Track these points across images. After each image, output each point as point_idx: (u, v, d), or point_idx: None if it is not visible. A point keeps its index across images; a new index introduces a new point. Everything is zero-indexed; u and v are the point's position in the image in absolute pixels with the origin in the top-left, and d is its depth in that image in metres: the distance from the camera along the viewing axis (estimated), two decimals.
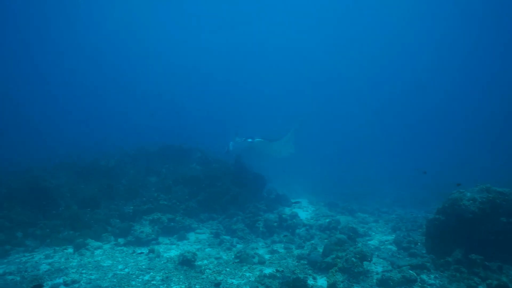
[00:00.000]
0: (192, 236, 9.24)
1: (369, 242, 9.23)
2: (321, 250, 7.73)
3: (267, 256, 7.75)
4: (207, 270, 6.72)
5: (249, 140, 12.90)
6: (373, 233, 10.22)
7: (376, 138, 37.27)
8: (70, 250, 7.87)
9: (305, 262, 7.27)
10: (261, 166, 14.59)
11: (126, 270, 6.64)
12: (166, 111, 45.40)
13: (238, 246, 8.49)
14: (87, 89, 47.99)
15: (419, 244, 8.18)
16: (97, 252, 7.76)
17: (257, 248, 8.32)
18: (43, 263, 7.03)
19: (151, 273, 6.47)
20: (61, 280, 5.99)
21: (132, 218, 9.50)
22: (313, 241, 9.11)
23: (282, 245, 8.70)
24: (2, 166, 14.26)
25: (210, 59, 51.59)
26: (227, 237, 9.06)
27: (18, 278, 6.16)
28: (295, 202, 12.41)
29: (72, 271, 6.51)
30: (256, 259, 7.36)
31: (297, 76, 51.80)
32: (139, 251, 7.77)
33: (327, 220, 10.67)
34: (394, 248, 8.57)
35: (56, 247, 8.13)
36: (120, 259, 7.28)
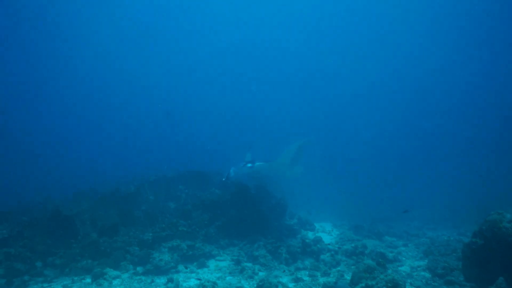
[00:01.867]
0: (212, 263, 8.91)
1: (399, 268, 8.64)
2: (348, 278, 7.25)
3: (291, 285, 7.32)
4: None
5: (249, 165, 11.92)
6: (404, 258, 9.61)
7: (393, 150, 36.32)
8: (88, 280, 7.68)
9: None
10: (279, 189, 14.28)
11: None
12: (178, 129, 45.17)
13: (260, 273, 8.09)
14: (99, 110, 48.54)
15: (455, 270, 7.56)
16: (115, 282, 7.52)
17: (280, 276, 7.90)
18: None
19: None
20: None
21: (151, 246, 9.28)
22: (339, 268, 8.62)
23: (307, 272, 8.24)
24: (23, 195, 14.50)
25: (215, 63, 51.83)
26: (249, 264, 8.68)
27: None
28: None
29: None
30: None
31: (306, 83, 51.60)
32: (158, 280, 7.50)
33: (353, 245, 10.15)
34: (428, 275, 7.97)
35: (75, 277, 7.99)
36: None
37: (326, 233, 12.71)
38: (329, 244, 10.51)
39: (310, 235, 11.80)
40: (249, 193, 12.61)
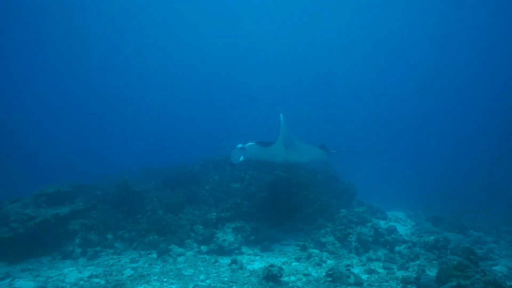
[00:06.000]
0: (276, 247, 8.47)
1: (493, 268, 7.44)
2: (431, 274, 6.36)
3: (364, 277, 6.59)
4: None
5: (239, 145, 9.47)
6: (497, 257, 8.30)
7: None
8: (154, 255, 7.71)
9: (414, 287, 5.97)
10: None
11: (208, 281, 6.12)
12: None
13: (329, 262, 7.46)
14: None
15: None
16: (180, 259, 7.44)
17: (351, 266, 7.20)
18: (128, 267, 6.92)
19: (234, 287, 5.84)
20: None
21: (215, 225, 9.13)
22: (418, 262, 7.65)
23: (381, 264, 7.43)
24: (98, 171, 15.42)
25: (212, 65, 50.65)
26: (316, 251, 8.09)
27: (103, 282, 6.04)
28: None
29: (154, 278, 6.21)
30: (351, 279, 6.26)
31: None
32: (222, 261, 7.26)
33: (433, 238, 9.04)
34: None
35: (142, 251, 8.09)
36: (202, 269, 6.82)
37: (400, 223, 11.62)
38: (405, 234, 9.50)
39: (382, 224, 10.84)
40: (316, 177, 11.98)
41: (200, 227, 9.08)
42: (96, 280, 6.19)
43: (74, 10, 38.64)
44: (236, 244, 8.04)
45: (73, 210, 9.23)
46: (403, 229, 10.79)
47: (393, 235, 9.00)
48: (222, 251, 7.83)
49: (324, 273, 6.57)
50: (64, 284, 6.09)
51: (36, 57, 42.71)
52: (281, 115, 8.07)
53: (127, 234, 8.92)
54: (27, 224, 8.04)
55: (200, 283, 6.00)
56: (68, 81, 45.68)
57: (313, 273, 6.66)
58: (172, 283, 5.97)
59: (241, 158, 9.35)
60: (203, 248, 8.10)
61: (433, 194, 18.38)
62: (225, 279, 6.23)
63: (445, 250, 8.15)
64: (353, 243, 8.45)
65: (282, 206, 10.02)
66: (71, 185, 10.62)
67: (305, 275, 6.53)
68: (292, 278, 6.37)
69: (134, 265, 7.07)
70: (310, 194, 10.34)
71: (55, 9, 37.15)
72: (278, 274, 6.07)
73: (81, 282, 6.12)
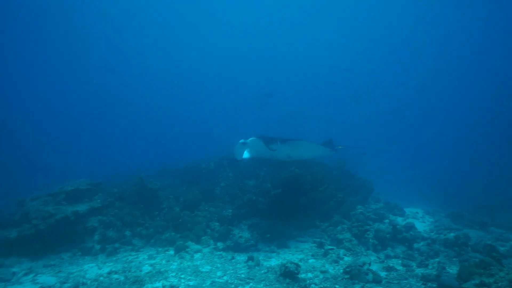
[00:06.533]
0: (292, 244, 8.44)
1: None
2: (452, 272, 6.25)
3: (382, 274, 6.51)
4: (313, 286, 5.82)
5: (241, 141, 9.09)
6: None
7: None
8: (171, 252, 7.79)
9: (435, 285, 5.85)
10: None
11: (225, 278, 6.14)
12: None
13: (346, 259, 7.40)
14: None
15: None
16: (197, 255, 7.50)
17: (369, 263, 7.11)
18: (146, 263, 7.00)
19: (251, 284, 5.85)
20: (160, 284, 5.76)
21: (231, 222, 9.16)
22: (438, 259, 7.52)
23: (400, 261, 7.33)
24: (115, 169, 15.66)
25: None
26: (333, 248, 8.03)
27: (122, 278, 6.13)
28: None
29: (172, 274, 6.27)
30: (370, 277, 6.19)
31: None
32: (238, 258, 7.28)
33: (452, 234, 8.86)
34: None
35: (159, 248, 8.19)
36: (219, 265, 6.86)
37: (418, 220, 11.43)
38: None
39: (400, 220, 10.68)
40: (331, 173, 11.88)
41: (216, 224, 9.14)
42: (115, 276, 6.29)
43: (74, 10, 39.06)
44: (252, 241, 8.05)
45: (92, 208, 9.38)
46: (422, 226, 10.60)
47: (411, 232, 8.84)
48: (238, 247, 7.86)
49: (341, 270, 6.52)
50: (84, 280, 6.20)
51: (36, 57, 43.38)
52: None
53: (145, 231, 9.03)
54: (47, 221, 8.22)
55: (217, 280, 6.02)
56: (68, 81, 46.49)
57: (330, 270, 6.61)
58: (189, 280, 6.01)
59: (247, 155, 9.18)
60: (220, 245, 8.15)
61: (450, 190, 18.05)
62: (242, 275, 6.25)
63: (465, 247, 7.97)
64: (370, 240, 8.35)
65: (297, 202, 9.98)
66: (89, 183, 10.79)
67: (322, 272, 6.49)
68: (310, 275, 6.34)
69: (152, 261, 7.16)
70: (326, 191, 10.26)
71: (55, 9, 37.58)
72: (295, 271, 6.05)
73: (101, 278, 6.23)
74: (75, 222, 8.63)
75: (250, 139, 8.97)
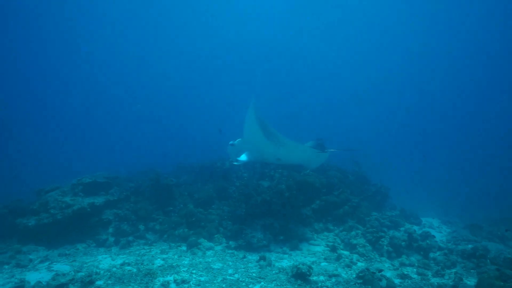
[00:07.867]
0: (305, 246, 8.36)
1: None
2: (469, 283, 6.06)
3: (397, 281, 6.36)
4: None
5: (230, 142, 8.73)
6: None
7: None
8: (184, 248, 7.83)
9: None
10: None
11: (236, 276, 6.11)
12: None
13: (359, 264, 7.28)
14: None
15: None
16: (208, 253, 7.50)
17: (383, 269, 6.97)
18: (158, 257, 7.05)
19: (262, 283, 5.80)
20: (171, 278, 5.77)
21: (244, 221, 9.13)
22: (455, 270, 7.31)
23: (414, 270, 7.16)
24: (133, 165, 15.91)
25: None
26: (346, 253, 7.92)
27: (135, 270, 6.18)
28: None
29: (183, 269, 6.28)
30: (383, 283, 6.06)
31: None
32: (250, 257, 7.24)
33: (470, 246, 8.62)
34: None
35: (172, 243, 8.23)
36: (230, 263, 6.84)
37: (435, 229, 11.16)
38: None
39: (416, 229, 10.45)
40: (348, 178, 11.75)
41: (229, 222, 9.13)
42: (128, 268, 6.34)
43: (74, 10, 39.37)
44: (264, 241, 8.00)
45: (108, 200, 9.53)
46: (439, 235, 10.35)
47: (427, 241, 8.64)
48: (250, 247, 7.82)
49: (354, 275, 6.41)
50: (98, 270, 6.28)
51: (36, 57, 43.91)
52: (253, 98, 7.59)
53: (158, 226, 9.10)
54: (65, 211, 8.39)
55: (228, 277, 6.00)
56: (68, 81, 47.04)
57: (342, 274, 6.50)
58: (201, 275, 6.01)
59: (245, 158, 8.87)
60: (232, 243, 8.13)
61: (468, 201, 17.60)
62: (253, 274, 6.21)
63: (484, 259, 7.73)
64: (385, 246, 8.20)
65: (311, 205, 9.90)
66: (106, 176, 10.96)
67: (334, 275, 6.39)
68: (321, 277, 6.25)
69: (164, 256, 7.20)
70: (341, 195, 10.15)
71: (55, 9, 37.85)
72: (307, 273, 5.97)
73: (114, 269, 6.29)
74: (91, 214, 8.78)
75: (238, 140, 8.81)
